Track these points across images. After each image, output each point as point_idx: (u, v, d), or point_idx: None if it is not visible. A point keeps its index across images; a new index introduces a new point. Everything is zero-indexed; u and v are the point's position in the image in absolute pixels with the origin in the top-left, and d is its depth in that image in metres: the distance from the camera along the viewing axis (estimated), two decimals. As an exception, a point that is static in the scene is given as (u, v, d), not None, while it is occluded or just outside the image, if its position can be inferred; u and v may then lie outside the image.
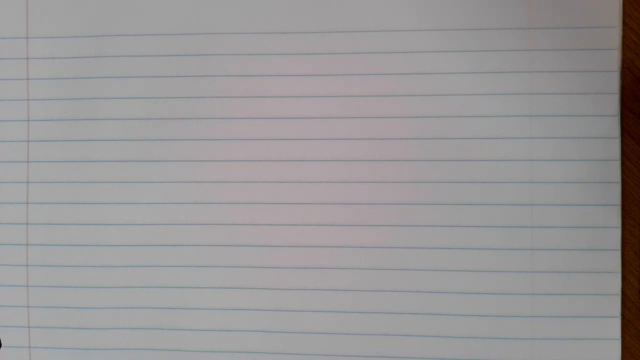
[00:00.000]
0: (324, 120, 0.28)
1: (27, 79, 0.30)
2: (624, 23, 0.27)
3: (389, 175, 0.28)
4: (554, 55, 0.28)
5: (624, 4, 0.27)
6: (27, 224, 0.30)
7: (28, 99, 0.29)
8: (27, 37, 0.29)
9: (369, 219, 0.28)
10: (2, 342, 0.29)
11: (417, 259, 0.28)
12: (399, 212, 0.28)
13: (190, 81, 0.29)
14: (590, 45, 0.27)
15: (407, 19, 0.28)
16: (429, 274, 0.28)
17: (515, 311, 0.28)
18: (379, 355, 0.28)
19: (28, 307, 0.30)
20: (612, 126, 0.27)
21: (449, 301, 0.28)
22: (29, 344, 0.29)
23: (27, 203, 0.29)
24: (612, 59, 0.27)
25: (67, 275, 0.29)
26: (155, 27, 0.29)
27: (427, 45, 0.28)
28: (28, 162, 0.29)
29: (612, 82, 0.27)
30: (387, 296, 0.28)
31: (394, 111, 0.28)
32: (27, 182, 0.29)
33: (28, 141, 0.29)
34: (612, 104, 0.27)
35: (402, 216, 0.28)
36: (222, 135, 0.29)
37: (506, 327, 0.28)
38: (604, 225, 0.28)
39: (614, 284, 0.28)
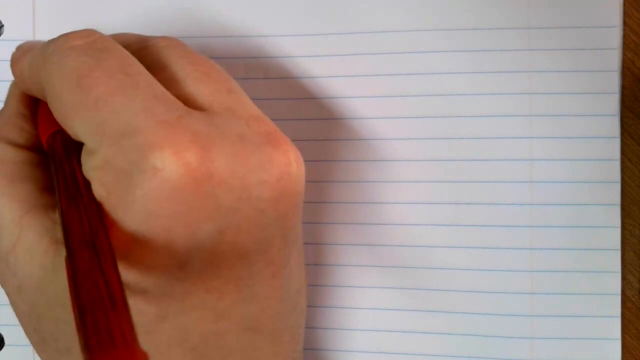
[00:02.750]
0: (323, 121, 0.29)
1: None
2: (624, 23, 0.27)
3: (388, 175, 0.28)
4: (554, 55, 0.28)
5: (624, 4, 0.27)
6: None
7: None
8: (34, 39, 0.30)
9: (367, 218, 0.29)
10: (5, 341, 0.30)
11: (416, 258, 0.28)
12: (397, 212, 0.28)
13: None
14: (590, 45, 0.27)
15: (407, 19, 0.28)
16: (428, 273, 0.28)
17: (514, 310, 0.28)
18: (379, 351, 0.29)
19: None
20: (612, 126, 0.27)
21: (448, 300, 0.28)
22: (34, 341, 0.30)
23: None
24: (612, 59, 0.27)
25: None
26: (161, 29, 0.29)
27: (427, 45, 0.28)
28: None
29: (612, 82, 0.27)
30: (384, 293, 0.29)
31: (394, 111, 0.28)
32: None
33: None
34: (612, 104, 0.27)
35: (400, 215, 0.28)
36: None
37: (505, 326, 0.28)
38: (604, 225, 0.28)
39: (614, 284, 0.28)
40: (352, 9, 0.28)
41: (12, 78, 0.30)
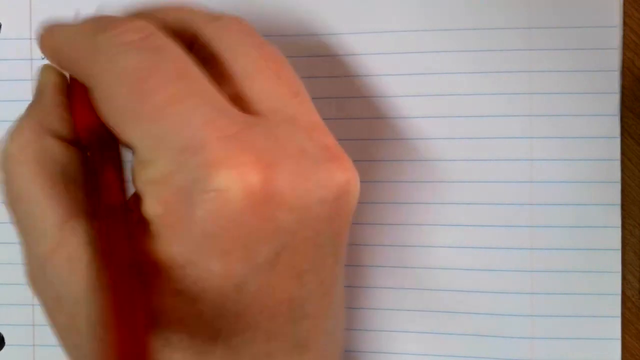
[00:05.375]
0: (324, 121, 0.28)
1: (32, 79, 0.30)
2: (624, 23, 0.27)
3: (386, 174, 0.28)
4: (554, 55, 0.28)
5: (624, 4, 0.27)
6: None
7: (33, 100, 0.30)
8: (30, 39, 0.30)
9: (367, 217, 0.29)
10: (6, 341, 0.30)
11: (416, 258, 0.28)
12: (397, 211, 0.28)
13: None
14: (590, 45, 0.27)
15: (407, 19, 0.28)
16: (428, 273, 0.28)
17: (514, 310, 0.28)
18: (379, 351, 0.29)
19: (33, 305, 0.30)
20: (612, 126, 0.27)
21: (448, 299, 0.28)
22: (34, 342, 0.30)
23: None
24: (612, 59, 0.27)
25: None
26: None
27: (427, 45, 0.28)
28: (32, 162, 0.30)
29: (612, 82, 0.27)
30: (383, 293, 0.29)
31: (394, 111, 0.28)
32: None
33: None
34: (612, 104, 0.27)
35: (401, 215, 0.28)
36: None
37: (505, 326, 0.28)
38: (604, 225, 0.28)
39: (614, 284, 0.28)
40: (353, 9, 0.28)
41: (8, 77, 0.30)
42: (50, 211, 0.20)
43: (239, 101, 0.20)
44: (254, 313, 0.19)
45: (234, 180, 0.17)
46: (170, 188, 0.18)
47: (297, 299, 0.20)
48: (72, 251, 0.19)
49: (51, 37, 0.22)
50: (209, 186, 0.17)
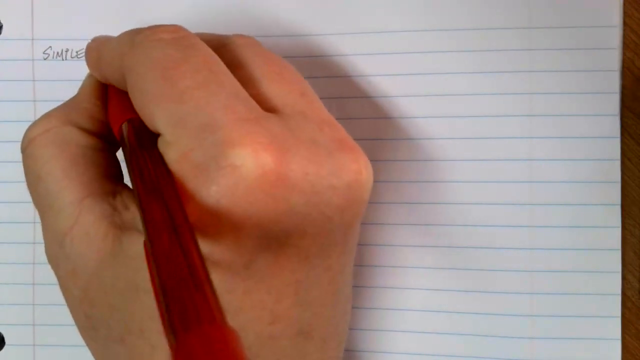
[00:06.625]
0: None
1: (33, 80, 0.30)
2: (624, 23, 0.27)
3: (388, 174, 0.28)
4: (554, 55, 0.28)
5: (624, 4, 0.27)
6: (34, 222, 0.30)
7: (34, 100, 0.30)
8: (32, 39, 0.30)
9: (368, 217, 0.29)
10: (6, 341, 0.30)
11: (417, 258, 0.28)
12: (397, 211, 0.28)
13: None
14: (590, 45, 0.27)
15: (407, 19, 0.28)
16: (429, 272, 0.28)
17: (514, 310, 0.28)
18: (378, 351, 0.29)
19: (33, 305, 0.30)
20: (612, 126, 0.27)
21: (448, 299, 0.28)
22: (34, 342, 0.30)
23: (33, 203, 0.30)
24: (612, 59, 0.27)
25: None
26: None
27: (427, 46, 0.28)
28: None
29: (612, 82, 0.27)
30: (385, 293, 0.29)
31: (394, 111, 0.28)
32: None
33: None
34: (612, 104, 0.27)
35: (401, 215, 0.28)
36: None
37: (505, 326, 0.28)
38: (604, 225, 0.28)
39: (614, 284, 0.28)
40: (352, 9, 0.28)
41: (9, 77, 0.30)
42: (69, 189, 0.21)
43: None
44: (261, 292, 0.19)
45: (248, 157, 0.18)
46: (188, 165, 0.19)
47: (304, 282, 0.20)
48: (88, 227, 0.20)
49: (95, 49, 0.24)
50: (224, 161, 0.18)
